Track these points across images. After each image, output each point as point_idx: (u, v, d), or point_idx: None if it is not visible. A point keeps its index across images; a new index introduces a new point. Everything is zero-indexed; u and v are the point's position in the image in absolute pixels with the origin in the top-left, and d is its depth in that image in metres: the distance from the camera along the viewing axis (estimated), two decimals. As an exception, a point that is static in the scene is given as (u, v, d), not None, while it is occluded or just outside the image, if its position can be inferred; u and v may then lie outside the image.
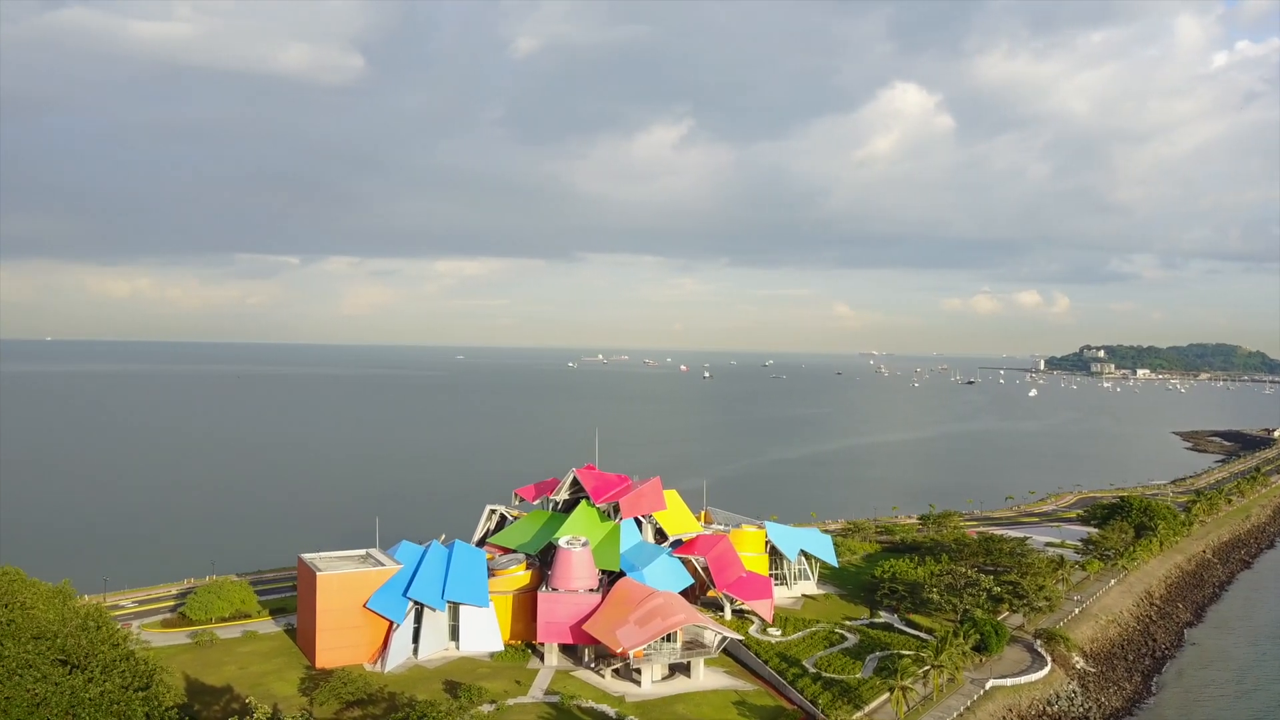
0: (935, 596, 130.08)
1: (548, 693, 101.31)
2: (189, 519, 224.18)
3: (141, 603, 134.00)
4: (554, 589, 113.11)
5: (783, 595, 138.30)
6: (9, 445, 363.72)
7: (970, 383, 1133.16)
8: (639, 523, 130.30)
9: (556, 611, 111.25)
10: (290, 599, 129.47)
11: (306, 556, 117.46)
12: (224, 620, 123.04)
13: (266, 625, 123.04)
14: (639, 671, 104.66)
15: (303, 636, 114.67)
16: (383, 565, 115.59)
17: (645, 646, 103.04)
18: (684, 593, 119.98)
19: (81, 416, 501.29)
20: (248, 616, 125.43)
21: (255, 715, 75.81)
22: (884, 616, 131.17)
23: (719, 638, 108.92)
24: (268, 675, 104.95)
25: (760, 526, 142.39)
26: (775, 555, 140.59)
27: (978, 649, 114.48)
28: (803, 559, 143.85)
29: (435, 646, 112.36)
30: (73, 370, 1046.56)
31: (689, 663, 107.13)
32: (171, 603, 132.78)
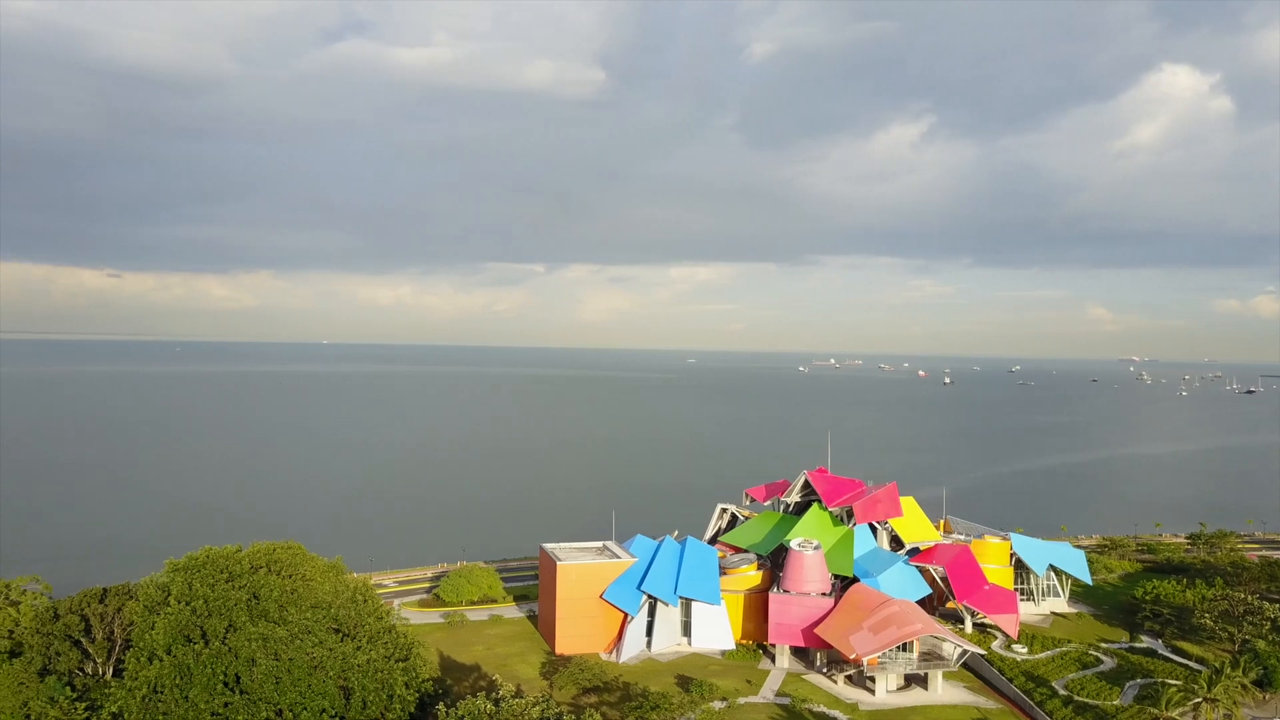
0: (1208, 623, 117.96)
1: (779, 694, 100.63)
2: (444, 508, 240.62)
3: (402, 583, 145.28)
4: (785, 591, 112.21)
5: (1029, 611, 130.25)
6: (298, 437, 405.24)
7: (1250, 392, 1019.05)
8: (873, 528, 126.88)
9: (788, 613, 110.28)
10: (532, 587, 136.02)
11: (548, 546, 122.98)
12: (473, 604, 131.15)
13: (511, 610, 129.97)
14: (873, 680, 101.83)
15: (544, 623, 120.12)
16: (619, 558, 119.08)
17: (880, 654, 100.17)
18: (921, 603, 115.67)
19: (355, 412, 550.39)
20: (494, 601, 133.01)
21: (501, 693, 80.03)
22: (1146, 641, 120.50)
23: (959, 651, 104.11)
24: (511, 657, 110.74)
25: (1004, 538, 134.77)
26: (1021, 569, 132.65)
27: (1260, 684, 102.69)
28: (1052, 574, 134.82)
29: (668, 641, 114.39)
30: (347, 371, 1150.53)
31: (926, 674, 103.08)
32: (427, 584, 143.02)
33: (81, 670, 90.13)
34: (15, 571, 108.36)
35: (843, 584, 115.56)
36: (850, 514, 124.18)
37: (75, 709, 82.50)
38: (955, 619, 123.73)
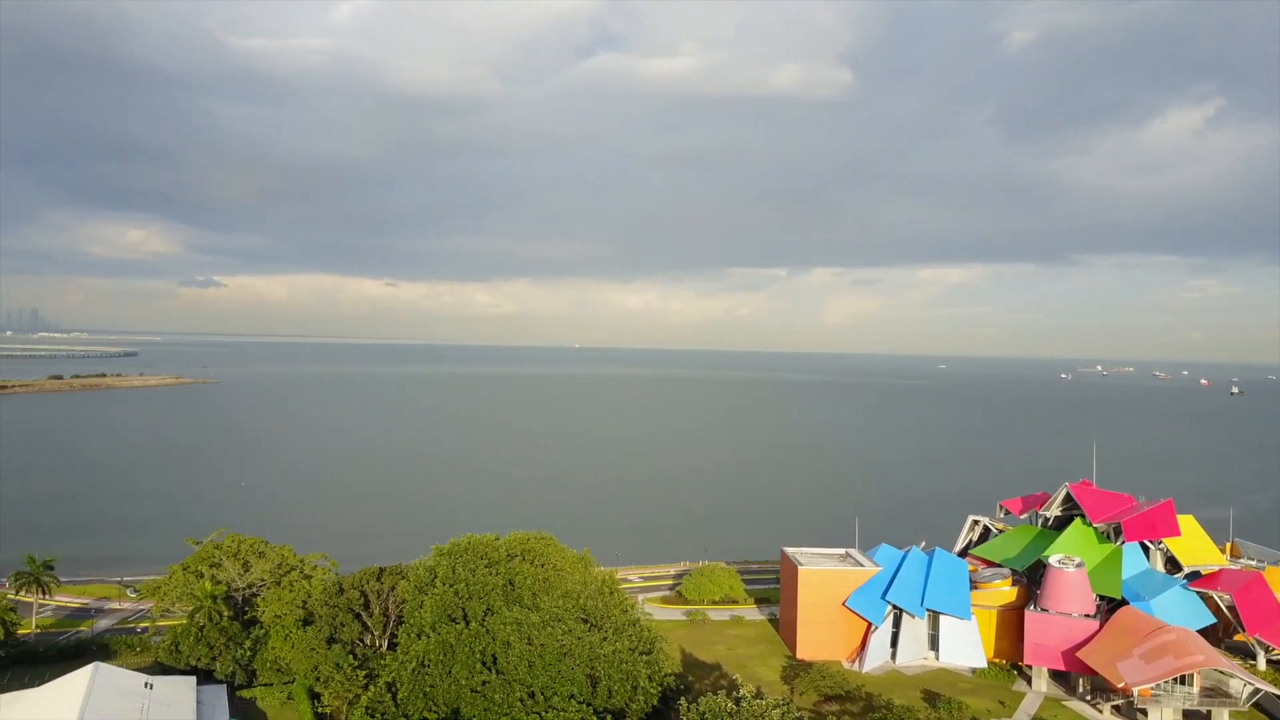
0: None
1: (1035, 719, 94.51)
2: (686, 507, 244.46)
3: (646, 579, 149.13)
4: (1044, 609, 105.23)
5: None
6: (550, 434, 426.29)
7: None
8: (1145, 548, 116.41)
9: (1046, 633, 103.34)
10: (772, 590, 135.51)
11: (789, 550, 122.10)
12: (714, 603, 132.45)
13: (751, 612, 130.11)
14: (1144, 713, 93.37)
15: (784, 627, 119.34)
16: (862, 565, 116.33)
17: (1153, 686, 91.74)
18: (1202, 633, 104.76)
19: (601, 413, 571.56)
20: (735, 602, 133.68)
21: (742, 693, 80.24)
22: None
23: (1250, 689, 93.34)
24: (752, 659, 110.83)
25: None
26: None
27: None
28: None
29: (913, 654, 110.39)
30: (596, 374, 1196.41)
31: (1209, 712, 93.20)
32: (670, 582, 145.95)
33: (361, 641, 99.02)
34: (307, 549, 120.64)
35: (1109, 606, 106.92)
36: (1118, 531, 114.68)
37: (356, 676, 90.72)
38: (1244, 653, 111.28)
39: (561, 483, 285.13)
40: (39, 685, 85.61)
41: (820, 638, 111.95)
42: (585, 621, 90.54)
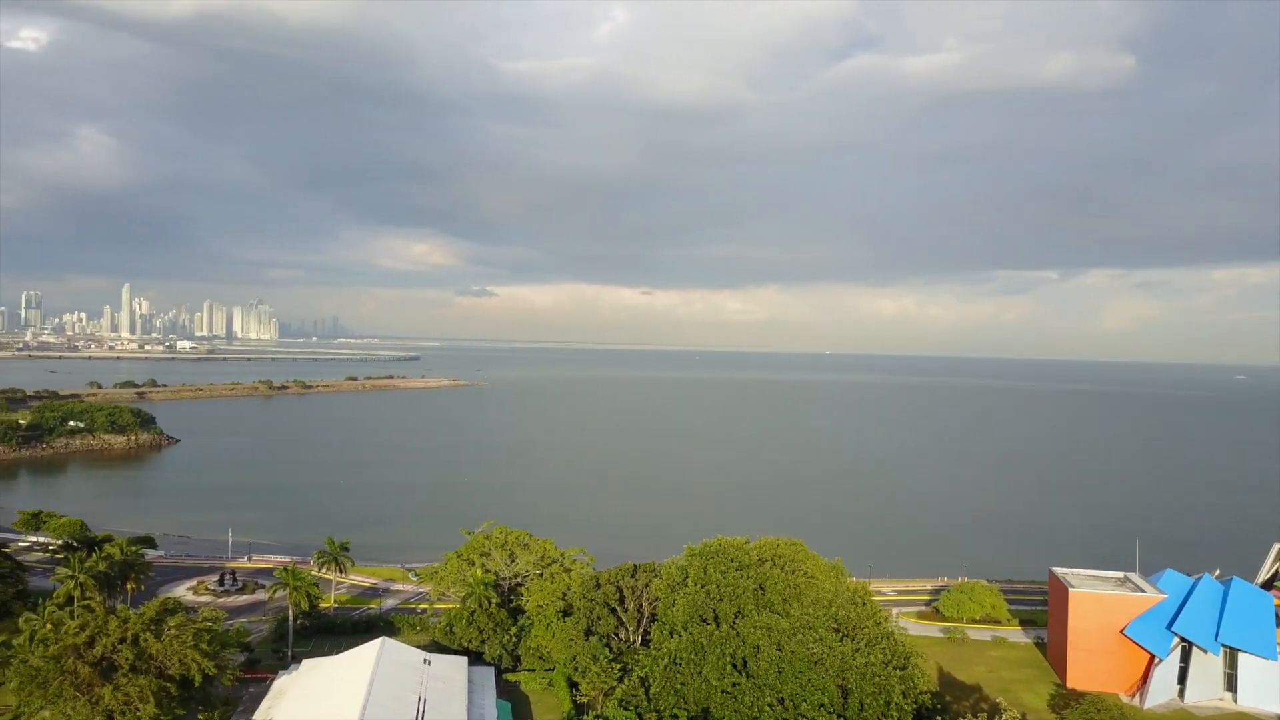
0: None
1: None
2: (945, 521, 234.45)
3: (900, 592, 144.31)
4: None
5: None
6: (799, 440, 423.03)
7: None
8: None
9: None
10: (1039, 612, 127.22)
11: (1059, 571, 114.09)
12: (974, 622, 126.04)
13: (1015, 634, 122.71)
14: None
15: (1053, 652, 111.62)
16: (1142, 592, 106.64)
17: None
18: None
19: (851, 420, 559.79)
20: (996, 622, 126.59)
21: (1005, 718, 75.85)
22: None
23: None
24: (1015, 683, 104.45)
25: None
26: None
27: None
28: None
29: (1205, 693, 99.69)
30: (848, 380, 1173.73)
31: None
32: (926, 597, 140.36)
33: (616, 635, 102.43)
34: (566, 543, 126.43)
35: None
36: None
37: (611, 668, 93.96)
38: None
39: (813, 489, 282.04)
40: (336, 654, 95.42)
41: (1095, 666, 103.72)
42: (836, 631, 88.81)
